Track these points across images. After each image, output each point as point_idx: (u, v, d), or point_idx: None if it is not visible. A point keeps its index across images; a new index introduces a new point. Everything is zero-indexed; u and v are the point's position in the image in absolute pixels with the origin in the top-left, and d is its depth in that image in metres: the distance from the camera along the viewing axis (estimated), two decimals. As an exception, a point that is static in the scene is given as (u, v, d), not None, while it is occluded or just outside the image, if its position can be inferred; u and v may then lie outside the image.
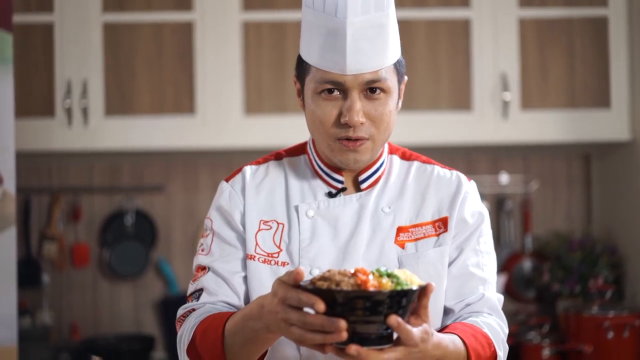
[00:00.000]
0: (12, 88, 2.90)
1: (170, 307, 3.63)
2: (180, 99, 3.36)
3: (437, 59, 3.38)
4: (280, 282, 1.47)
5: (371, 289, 1.40)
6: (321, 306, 1.39)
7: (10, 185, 2.88)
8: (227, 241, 1.81)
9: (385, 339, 1.44)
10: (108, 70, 3.35)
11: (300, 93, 1.79)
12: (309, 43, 1.72)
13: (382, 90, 1.70)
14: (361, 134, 1.70)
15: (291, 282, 1.44)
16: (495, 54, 3.36)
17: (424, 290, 1.47)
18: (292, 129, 3.26)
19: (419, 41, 3.38)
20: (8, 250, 2.88)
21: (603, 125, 3.38)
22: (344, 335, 1.40)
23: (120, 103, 3.35)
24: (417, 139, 3.34)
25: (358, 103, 1.68)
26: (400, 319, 1.41)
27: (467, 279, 1.79)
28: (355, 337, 1.42)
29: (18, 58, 3.20)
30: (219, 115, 3.34)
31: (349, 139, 1.71)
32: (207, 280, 1.80)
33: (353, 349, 1.40)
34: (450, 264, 1.79)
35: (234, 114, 3.34)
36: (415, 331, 1.44)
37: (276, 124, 3.32)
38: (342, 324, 1.39)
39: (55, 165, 3.75)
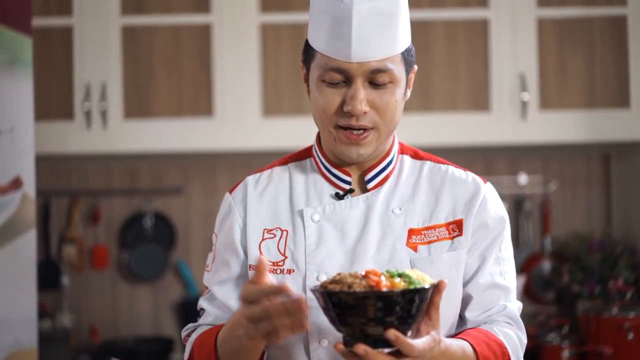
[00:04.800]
0: (31, 91, 2.92)
1: (189, 309, 3.63)
2: (198, 101, 3.37)
3: (455, 60, 3.37)
4: (245, 283, 1.48)
5: (384, 289, 1.39)
6: (286, 286, 1.40)
7: (30, 188, 2.90)
8: (224, 261, 1.78)
9: None
10: (127, 73, 3.36)
11: (306, 78, 1.74)
12: (316, 28, 1.67)
13: (388, 80, 1.65)
14: (365, 123, 1.65)
15: (251, 279, 1.45)
16: (514, 54, 3.35)
17: (436, 288, 1.46)
18: (311, 130, 3.24)
19: (437, 42, 3.37)
20: (28, 252, 2.89)
21: (622, 125, 3.37)
22: (306, 311, 1.39)
23: (138, 106, 3.36)
24: (435, 140, 3.33)
25: (362, 91, 1.63)
26: (398, 333, 1.39)
27: (490, 290, 1.74)
28: (369, 339, 1.41)
29: (37, 61, 3.22)
30: (238, 117, 3.34)
31: (352, 129, 1.65)
32: (207, 302, 1.80)
33: (361, 348, 1.39)
34: (474, 275, 1.74)
35: (252, 116, 3.35)
36: (419, 342, 1.43)
37: (294, 125, 3.32)
38: (302, 298, 1.39)
39: (75, 168, 3.77)
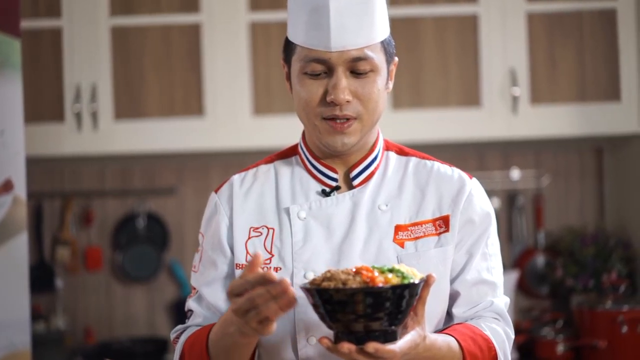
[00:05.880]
0: (21, 94, 2.91)
1: (183, 309, 3.61)
2: (189, 100, 3.36)
3: (445, 56, 3.37)
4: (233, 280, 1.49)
5: (380, 284, 1.40)
6: (269, 273, 1.39)
7: (21, 191, 2.89)
8: (211, 260, 1.78)
9: (391, 335, 1.43)
10: (117, 74, 3.36)
11: (288, 76, 1.75)
12: (295, 22, 1.69)
13: (369, 68, 1.66)
14: (348, 113, 1.65)
15: (241, 274, 1.46)
16: (504, 49, 3.35)
17: (425, 283, 1.47)
18: (301, 129, 3.25)
19: (427, 38, 3.37)
20: (20, 255, 2.89)
21: (614, 119, 3.37)
22: (291, 292, 1.39)
23: (129, 106, 3.36)
24: (426, 136, 3.33)
25: (343, 81, 1.64)
26: (377, 345, 1.40)
27: (478, 286, 1.75)
28: (359, 335, 1.41)
29: (27, 63, 3.21)
30: (229, 116, 3.34)
31: (336, 119, 1.66)
32: (195, 304, 1.80)
33: (345, 347, 1.40)
34: (461, 271, 1.74)
35: (243, 115, 3.34)
36: (401, 343, 1.44)
37: (286, 124, 3.32)
38: (285, 281, 1.38)
39: (67, 170, 3.76)
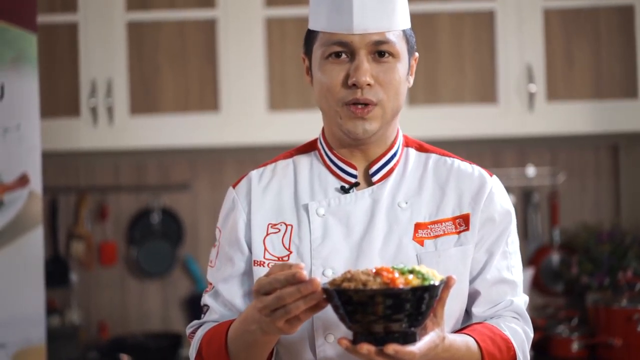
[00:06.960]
0: (37, 88, 2.91)
1: (198, 304, 3.62)
2: (204, 96, 3.36)
3: (461, 52, 3.36)
4: (259, 278, 1.48)
5: (400, 286, 1.39)
6: (301, 269, 1.40)
7: (36, 185, 2.90)
8: (228, 256, 1.78)
9: (411, 336, 1.43)
10: (132, 69, 3.36)
11: (309, 70, 1.75)
12: (316, 10, 1.70)
13: (391, 54, 1.66)
14: (369, 97, 1.65)
15: (268, 272, 1.46)
16: (520, 46, 3.34)
17: (445, 284, 1.46)
18: (317, 124, 3.24)
19: (443, 34, 3.36)
20: (35, 249, 2.89)
21: (630, 116, 3.35)
22: (320, 292, 1.40)
23: (145, 101, 3.36)
24: (442, 133, 3.32)
25: (365, 63, 1.64)
26: (397, 347, 1.39)
27: (498, 285, 1.73)
28: (378, 337, 1.41)
29: (43, 58, 3.22)
30: (244, 112, 3.34)
31: (357, 103, 1.65)
32: (211, 299, 1.79)
33: (365, 348, 1.39)
34: (481, 270, 1.73)
35: (259, 110, 3.34)
36: (420, 345, 1.43)
37: (301, 119, 3.32)
38: (316, 281, 1.39)
39: (82, 165, 3.77)
